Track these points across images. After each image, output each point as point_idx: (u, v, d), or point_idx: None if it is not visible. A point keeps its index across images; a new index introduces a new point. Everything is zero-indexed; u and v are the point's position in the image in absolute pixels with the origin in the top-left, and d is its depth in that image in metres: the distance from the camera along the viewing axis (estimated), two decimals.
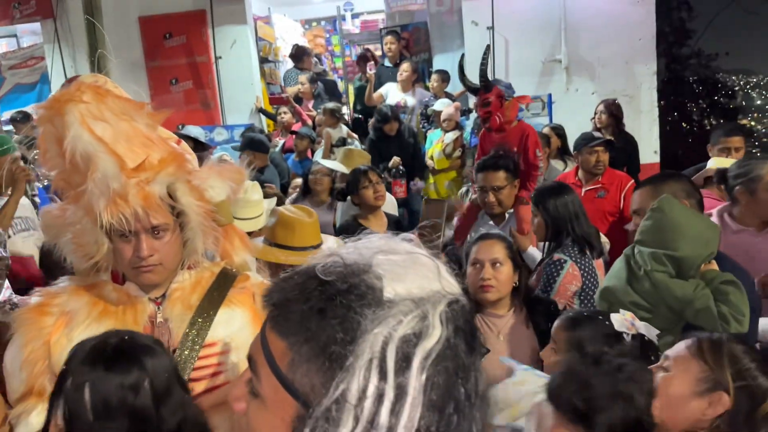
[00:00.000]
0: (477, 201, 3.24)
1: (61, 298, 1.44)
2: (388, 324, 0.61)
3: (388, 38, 7.32)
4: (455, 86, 6.54)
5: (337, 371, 0.60)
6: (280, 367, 0.64)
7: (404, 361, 0.60)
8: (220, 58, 7.52)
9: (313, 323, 0.62)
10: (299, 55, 8.07)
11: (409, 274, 0.65)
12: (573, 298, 2.61)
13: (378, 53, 8.38)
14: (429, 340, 0.62)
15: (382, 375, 0.60)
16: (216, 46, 7.47)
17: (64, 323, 1.41)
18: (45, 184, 4.10)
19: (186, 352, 1.44)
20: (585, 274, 2.63)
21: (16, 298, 2.29)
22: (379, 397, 0.59)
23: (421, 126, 6.46)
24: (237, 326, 1.49)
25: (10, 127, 6.98)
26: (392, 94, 6.62)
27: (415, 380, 0.60)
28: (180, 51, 7.58)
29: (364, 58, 7.69)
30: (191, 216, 1.42)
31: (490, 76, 3.73)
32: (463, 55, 4.37)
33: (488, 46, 3.80)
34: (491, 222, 3.22)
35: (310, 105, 7.45)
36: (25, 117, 6.81)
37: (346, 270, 0.65)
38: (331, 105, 6.36)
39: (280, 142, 6.74)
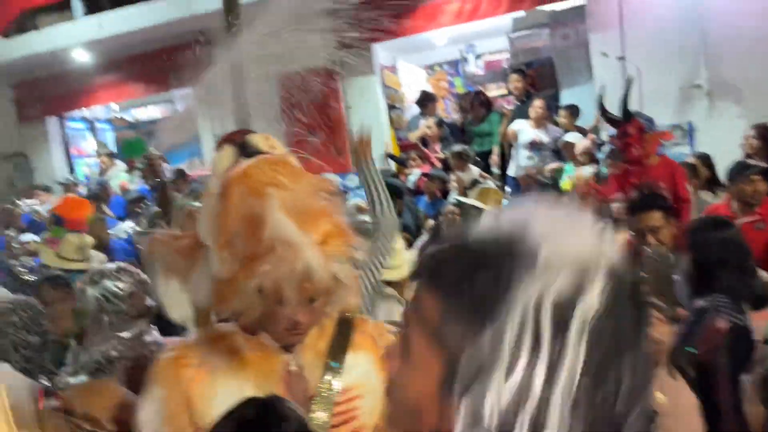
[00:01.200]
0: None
1: (198, 351, 1.46)
2: (543, 285, 0.59)
3: (514, 77, 7.31)
4: (584, 120, 6.37)
5: (489, 331, 0.59)
6: (432, 325, 0.65)
7: (560, 325, 0.58)
8: (350, 107, 7.90)
9: (465, 282, 0.63)
10: (425, 100, 8.27)
11: (568, 235, 0.63)
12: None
13: (497, 93, 8.42)
14: (587, 305, 0.59)
15: (536, 338, 0.58)
16: (346, 97, 7.86)
17: (205, 375, 1.42)
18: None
19: (323, 400, 1.45)
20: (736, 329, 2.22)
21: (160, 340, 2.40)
22: (533, 361, 0.58)
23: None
24: (364, 371, 1.50)
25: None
26: (525, 131, 6.57)
27: (573, 347, 0.58)
28: (315, 104, 8.04)
29: (477, 101, 7.70)
30: (347, 283, 1.43)
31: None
32: (603, 86, 4.27)
33: (630, 77, 3.70)
34: None
35: (438, 147, 7.58)
36: (181, 174, 7.51)
37: (501, 232, 0.64)
38: (458, 148, 6.42)
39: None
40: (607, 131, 6.20)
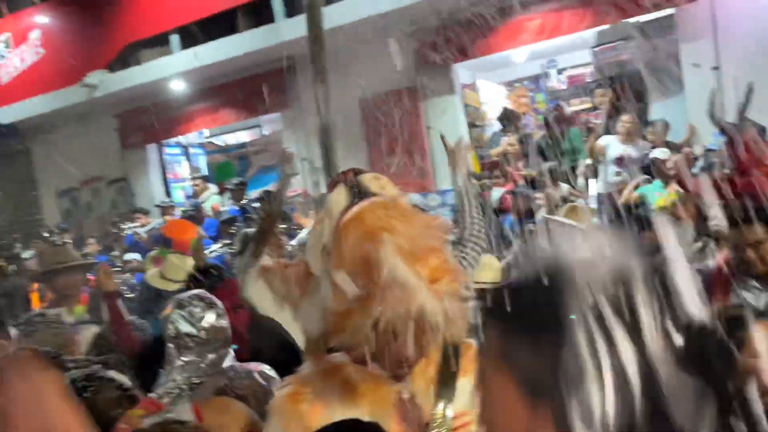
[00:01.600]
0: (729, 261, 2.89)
1: (312, 385, 1.50)
2: (589, 295, 0.70)
3: (599, 91, 7.16)
4: (674, 135, 6.13)
5: (566, 348, 0.69)
6: (505, 356, 0.74)
7: (621, 316, 0.70)
8: (431, 127, 7.96)
9: (528, 314, 0.73)
10: (506, 117, 8.22)
11: (592, 256, 0.74)
12: None
13: (580, 107, 8.23)
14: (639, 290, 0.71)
15: (607, 336, 0.68)
16: (427, 117, 7.93)
17: (321, 408, 1.46)
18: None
19: (439, 427, 1.48)
20: None
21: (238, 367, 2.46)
22: (616, 355, 0.68)
23: None
24: (471, 395, 1.51)
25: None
26: (613, 146, 6.40)
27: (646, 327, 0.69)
28: (395, 125, 8.19)
29: (557, 117, 7.56)
30: (456, 318, 1.46)
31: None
32: (713, 93, 4.07)
33: (750, 85, 3.51)
34: (755, 284, 2.83)
35: (520, 165, 7.50)
36: (269, 194, 7.80)
37: (544, 267, 0.74)
38: (549, 165, 6.33)
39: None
40: (702, 145, 5.94)
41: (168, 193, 10.26)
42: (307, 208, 8.44)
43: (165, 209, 8.87)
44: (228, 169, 10.09)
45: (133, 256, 8.03)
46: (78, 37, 9.55)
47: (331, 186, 1.54)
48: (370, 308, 1.36)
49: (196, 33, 8.73)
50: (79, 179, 10.53)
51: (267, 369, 2.31)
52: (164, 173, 10.45)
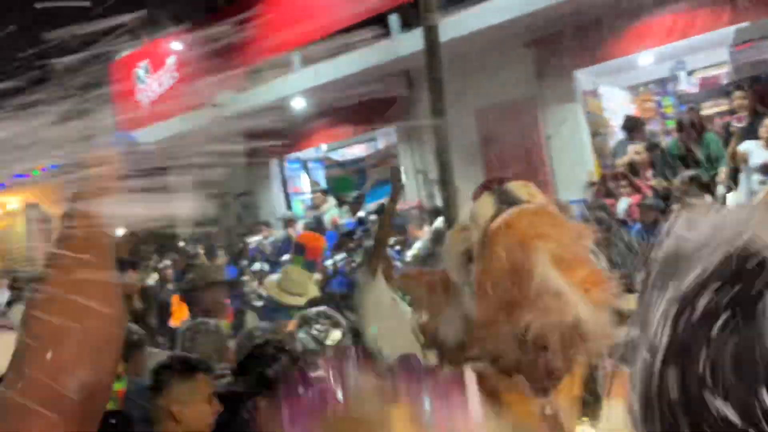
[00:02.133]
0: None
1: None
2: None
3: (738, 93, 6.61)
4: None
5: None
6: None
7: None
8: (550, 138, 7.73)
9: None
10: (631, 125, 7.81)
11: None
12: None
13: (715, 111, 7.65)
14: None
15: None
16: (546, 126, 7.72)
17: None
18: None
19: None
20: None
21: None
22: None
23: None
24: (621, 419, 1.44)
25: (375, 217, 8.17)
26: (756, 152, 5.89)
27: None
28: (512, 136, 8.04)
29: (691, 121, 7.05)
30: (605, 331, 1.39)
31: None
32: None
33: None
34: None
35: (648, 174, 7.08)
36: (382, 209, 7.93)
37: None
38: (690, 173, 5.94)
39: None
40: None
41: (289, 206, 10.70)
42: (421, 220, 8.48)
43: (287, 222, 9.26)
44: (346, 182, 10.37)
45: (260, 266, 8.47)
46: (209, 61, 10.23)
47: (477, 194, 1.51)
48: (518, 318, 1.33)
49: (316, 52, 9.08)
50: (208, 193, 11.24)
51: None
52: (285, 187, 10.92)
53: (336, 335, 2.35)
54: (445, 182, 7.14)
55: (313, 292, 4.41)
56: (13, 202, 13.37)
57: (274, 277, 4.76)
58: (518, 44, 7.74)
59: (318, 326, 2.34)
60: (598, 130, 8.30)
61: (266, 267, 8.31)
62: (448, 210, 7.02)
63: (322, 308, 2.59)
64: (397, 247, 6.83)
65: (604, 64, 7.70)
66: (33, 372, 0.76)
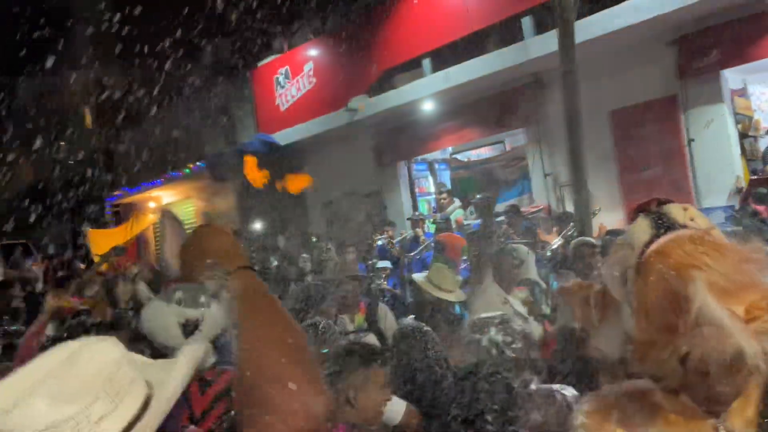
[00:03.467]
0: None
1: (618, 406, 1.48)
2: None
3: None
4: None
5: None
6: None
7: None
8: (693, 140, 7.33)
9: None
10: None
11: None
12: None
13: None
14: None
15: None
16: (689, 129, 7.33)
17: (630, 430, 1.45)
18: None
19: None
20: None
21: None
22: None
23: None
24: None
25: (500, 218, 8.18)
26: None
27: None
28: (649, 138, 7.71)
29: None
30: None
31: None
32: None
33: None
34: None
35: None
36: (516, 211, 7.90)
37: None
38: None
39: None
40: None
41: (415, 207, 10.94)
42: (550, 224, 8.36)
43: (415, 222, 9.49)
44: (471, 184, 10.44)
45: (385, 264, 8.75)
46: (343, 67, 10.73)
47: (633, 215, 1.51)
48: (678, 343, 1.31)
49: (446, 55, 9.23)
50: (340, 193, 11.79)
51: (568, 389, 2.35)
52: (412, 188, 11.18)
53: (518, 346, 2.35)
54: (577, 186, 7.05)
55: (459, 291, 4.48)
56: (168, 196, 14.76)
57: (421, 274, 4.93)
58: (659, 43, 7.42)
59: (494, 331, 2.34)
60: (748, 132, 7.74)
61: (389, 265, 8.59)
62: (580, 215, 6.92)
63: (489, 314, 2.57)
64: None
65: (754, 62, 7.18)
66: None
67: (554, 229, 7.67)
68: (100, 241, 12.84)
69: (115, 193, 16.18)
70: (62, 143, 16.09)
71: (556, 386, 2.29)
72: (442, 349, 2.74)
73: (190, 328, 2.83)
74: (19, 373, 0.88)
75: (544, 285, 4.48)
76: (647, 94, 7.68)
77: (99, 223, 15.82)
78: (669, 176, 7.56)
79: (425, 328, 2.89)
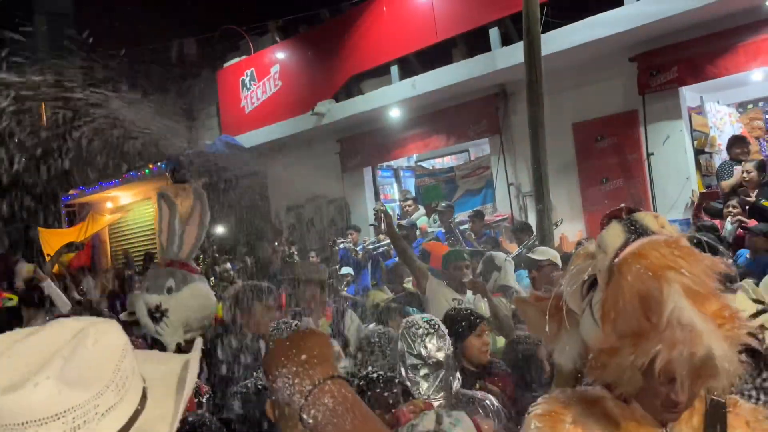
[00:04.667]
0: None
1: (571, 409, 1.50)
2: None
3: None
4: None
5: None
6: None
7: None
8: (652, 154, 7.53)
9: None
10: (736, 144, 7.47)
11: None
12: None
13: None
14: None
15: None
16: (648, 144, 7.52)
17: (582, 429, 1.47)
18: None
19: None
20: None
21: None
22: None
23: None
24: None
25: (465, 226, 8.25)
26: None
27: None
28: (610, 151, 7.89)
29: None
30: (732, 366, 1.39)
31: None
32: None
33: None
34: None
35: (754, 195, 6.75)
36: (479, 215, 7.97)
37: None
38: None
39: None
40: None
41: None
42: (512, 234, 8.45)
43: (378, 228, 9.47)
44: (435, 191, 10.49)
45: (348, 270, 8.70)
46: (310, 70, 10.67)
47: (604, 222, 1.52)
48: (645, 348, 1.32)
49: (414, 64, 9.27)
50: (305, 197, 11.70)
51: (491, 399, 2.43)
52: (377, 194, 11.17)
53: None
54: (540, 196, 7.15)
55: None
56: (126, 197, 14.39)
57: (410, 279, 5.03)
58: (621, 59, 7.60)
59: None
60: (703, 148, 7.99)
61: (351, 271, 8.55)
62: (542, 225, 7.02)
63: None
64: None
65: (711, 81, 7.43)
66: None
67: (515, 238, 7.76)
68: (52, 240, 12.45)
69: (71, 192, 15.72)
70: (17, 140, 15.56)
71: (478, 393, 2.39)
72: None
73: (157, 315, 2.76)
74: (18, 347, 0.76)
75: (523, 292, 4.55)
76: (609, 107, 7.86)
77: (53, 223, 15.33)
78: (629, 189, 7.73)
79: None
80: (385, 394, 2.08)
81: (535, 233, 6.94)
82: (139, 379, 0.85)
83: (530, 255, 4.70)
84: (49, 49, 14.78)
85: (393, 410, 2.02)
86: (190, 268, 2.67)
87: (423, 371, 2.40)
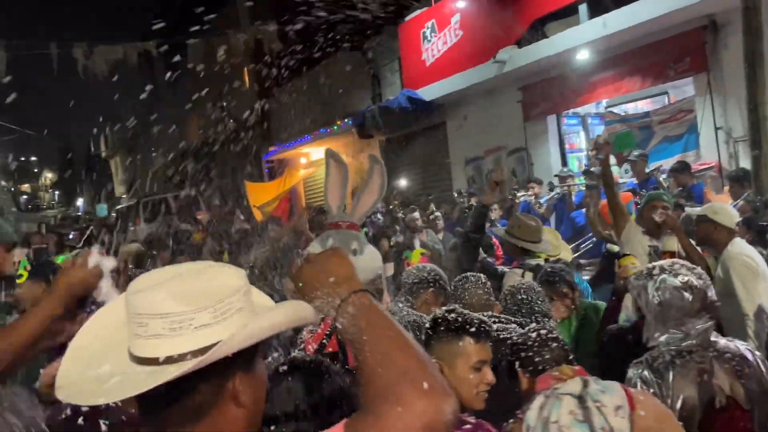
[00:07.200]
0: None
1: None
2: None
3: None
4: None
5: None
6: None
7: None
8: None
9: None
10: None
11: None
12: None
13: None
14: None
15: None
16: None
17: None
18: None
19: None
20: None
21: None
22: None
23: None
24: None
25: (664, 176, 7.52)
26: None
27: None
28: None
29: None
30: None
31: None
32: None
33: None
34: None
35: None
36: (685, 167, 7.22)
37: None
38: None
39: None
40: None
41: (564, 164, 10.43)
42: (719, 183, 7.55)
43: (563, 179, 9.06)
44: (628, 139, 9.69)
45: None
46: (491, 17, 10.34)
47: None
48: None
49: (605, 1, 8.53)
50: (484, 149, 11.54)
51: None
52: (562, 144, 10.65)
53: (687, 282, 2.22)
54: (757, 140, 6.29)
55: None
56: (317, 152, 15.40)
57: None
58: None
59: (667, 276, 2.13)
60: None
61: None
62: (758, 174, 6.18)
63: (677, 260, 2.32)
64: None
65: None
66: None
67: (725, 188, 6.93)
68: (257, 193, 13.79)
69: (270, 149, 17.20)
70: (224, 103, 17.30)
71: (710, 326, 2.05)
72: None
73: None
74: (161, 270, 1.07)
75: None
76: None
77: (257, 177, 16.95)
78: None
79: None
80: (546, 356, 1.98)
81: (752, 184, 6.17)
82: (246, 318, 1.03)
83: None
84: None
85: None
86: (357, 228, 2.69)
87: None
